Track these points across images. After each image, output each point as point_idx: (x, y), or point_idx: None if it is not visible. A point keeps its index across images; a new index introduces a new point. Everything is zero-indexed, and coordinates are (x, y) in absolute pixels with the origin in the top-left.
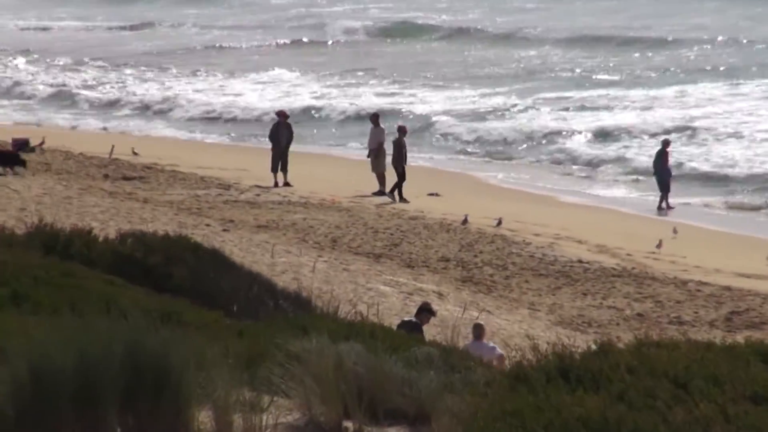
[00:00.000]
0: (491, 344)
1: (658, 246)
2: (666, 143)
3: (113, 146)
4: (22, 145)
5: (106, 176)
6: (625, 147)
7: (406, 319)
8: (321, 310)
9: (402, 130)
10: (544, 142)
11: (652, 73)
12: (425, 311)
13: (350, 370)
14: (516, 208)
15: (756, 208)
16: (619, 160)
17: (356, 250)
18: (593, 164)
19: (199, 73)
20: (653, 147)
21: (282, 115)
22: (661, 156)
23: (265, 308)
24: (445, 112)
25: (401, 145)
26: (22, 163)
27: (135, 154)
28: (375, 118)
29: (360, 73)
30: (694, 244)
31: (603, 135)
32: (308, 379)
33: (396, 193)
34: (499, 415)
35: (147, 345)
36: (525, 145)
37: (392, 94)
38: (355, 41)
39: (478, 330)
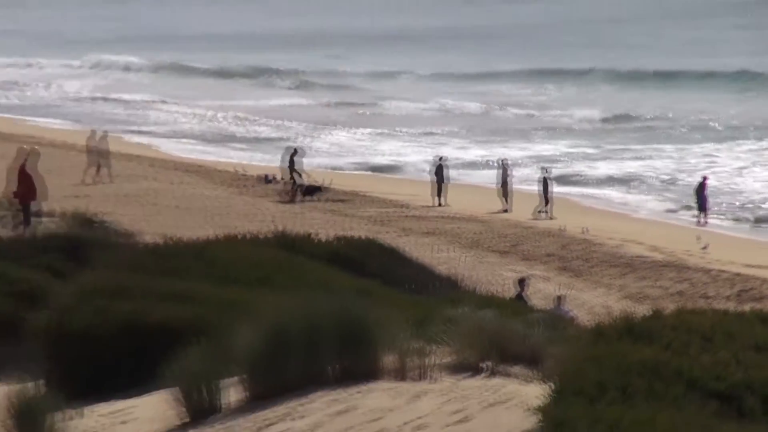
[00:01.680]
0: (567, 309)
1: (705, 247)
2: (704, 178)
3: (332, 179)
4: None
5: (319, 199)
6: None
7: (515, 292)
8: (467, 288)
9: (505, 163)
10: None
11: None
12: (521, 282)
13: (486, 328)
14: (597, 221)
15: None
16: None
17: (489, 249)
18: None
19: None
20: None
21: (442, 159)
22: (701, 186)
23: (429, 288)
24: None
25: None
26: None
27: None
28: (503, 162)
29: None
30: (717, 246)
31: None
32: (459, 334)
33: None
34: (584, 359)
35: (352, 311)
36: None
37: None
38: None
39: (560, 300)
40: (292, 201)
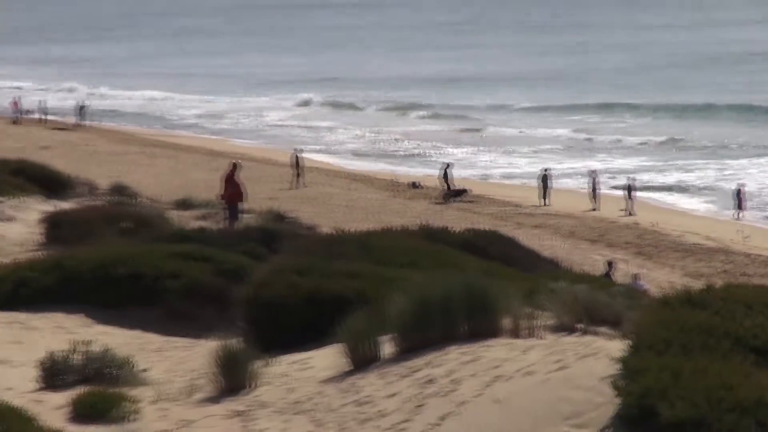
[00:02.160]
0: (642, 283)
1: (746, 237)
2: (741, 185)
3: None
4: (462, 191)
5: (463, 201)
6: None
7: (604, 271)
8: (565, 268)
9: (593, 173)
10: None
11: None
12: (610, 264)
13: (580, 298)
14: (664, 217)
15: None
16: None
17: (582, 238)
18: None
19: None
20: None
21: (546, 170)
22: (739, 191)
23: (537, 267)
24: None
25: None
26: (465, 192)
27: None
28: (592, 172)
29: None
30: (756, 236)
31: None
32: (559, 302)
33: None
34: (654, 322)
35: (478, 285)
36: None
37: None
38: None
39: (636, 276)
40: (444, 202)
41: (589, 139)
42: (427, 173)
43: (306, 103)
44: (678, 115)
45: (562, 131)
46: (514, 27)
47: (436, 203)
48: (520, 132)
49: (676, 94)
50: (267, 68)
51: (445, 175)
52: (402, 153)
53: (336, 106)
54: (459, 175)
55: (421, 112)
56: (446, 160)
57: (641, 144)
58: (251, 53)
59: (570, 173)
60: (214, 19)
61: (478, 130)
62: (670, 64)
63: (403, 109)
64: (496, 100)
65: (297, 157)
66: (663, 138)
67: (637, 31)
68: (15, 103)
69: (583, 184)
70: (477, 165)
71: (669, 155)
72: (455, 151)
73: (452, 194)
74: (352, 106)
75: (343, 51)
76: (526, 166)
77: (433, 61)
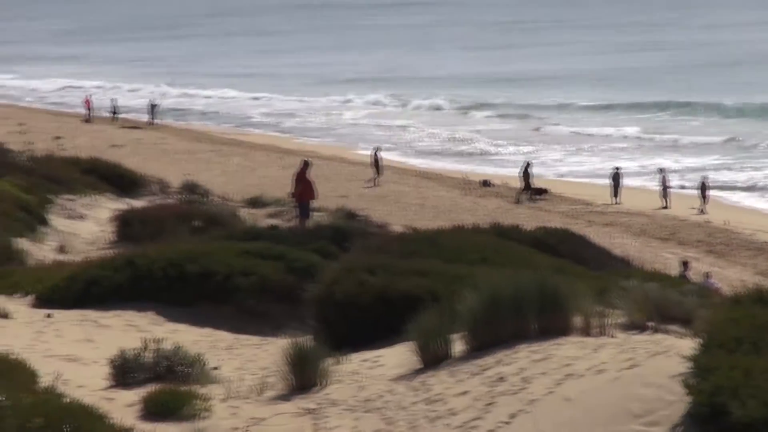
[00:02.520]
0: (713, 282)
1: None
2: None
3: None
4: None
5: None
6: None
7: (680, 271)
8: (636, 266)
9: (663, 171)
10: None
11: None
12: (685, 264)
13: (651, 296)
14: (735, 216)
15: None
16: None
17: (653, 236)
18: None
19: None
20: None
21: (618, 168)
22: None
23: (607, 265)
24: None
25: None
26: (545, 191)
27: (488, 184)
28: (662, 170)
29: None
30: None
31: None
32: (629, 300)
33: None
34: (725, 320)
35: (549, 282)
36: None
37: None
38: None
39: (707, 275)
40: (526, 200)
41: (656, 137)
42: (497, 172)
43: (375, 102)
44: (746, 114)
45: (630, 129)
46: (580, 25)
47: (515, 202)
48: (587, 130)
49: (745, 93)
50: (332, 66)
51: (525, 174)
52: (471, 151)
53: (404, 104)
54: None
55: (487, 112)
56: (526, 159)
57: (709, 142)
58: (315, 52)
59: (639, 171)
60: (275, 17)
61: (542, 129)
62: (736, 62)
63: (469, 108)
64: (562, 99)
65: (376, 155)
66: (728, 136)
67: (705, 29)
68: (87, 102)
69: (651, 182)
70: (546, 163)
71: (738, 154)
72: (523, 149)
73: (533, 192)
74: (420, 105)
75: (405, 49)
76: (595, 164)
77: (497, 59)
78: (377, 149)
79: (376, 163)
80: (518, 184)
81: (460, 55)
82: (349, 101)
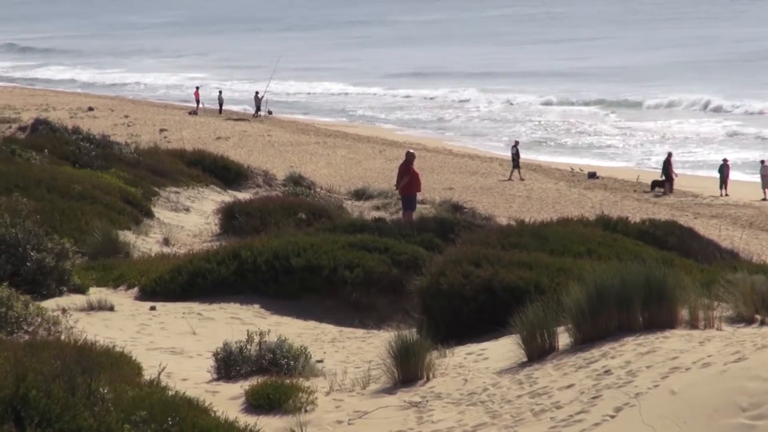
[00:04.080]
0: None
1: None
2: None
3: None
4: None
5: (635, 190)
6: None
7: None
8: (743, 259)
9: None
10: None
11: None
12: None
13: (758, 288)
14: None
15: None
16: None
17: (761, 228)
18: None
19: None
20: None
21: (725, 160)
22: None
23: (715, 257)
24: None
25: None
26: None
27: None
28: (766, 162)
29: None
30: None
31: None
32: (737, 293)
33: None
34: None
35: (655, 275)
36: None
37: None
38: None
39: None
40: (660, 193)
41: (756, 132)
42: (603, 164)
43: (476, 97)
44: None
45: (729, 123)
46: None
47: (655, 196)
48: (689, 123)
49: None
50: (433, 60)
51: (665, 166)
52: (576, 143)
53: (509, 101)
54: (638, 167)
55: (594, 107)
56: (668, 149)
57: None
58: (421, 45)
59: (748, 163)
60: (383, 7)
61: (645, 122)
62: None
63: (573, 104)
64: (668, 93)
65: (515, 150)
66: None
67: None
68: (196, 93)
69: (753, 174)
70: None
71: None
72: (631, 142)
73: (665, 183)
74: (515, 100)
75: (500, 44)
76: (701, 156)
77: (597, 53)
78: (515, 144)
79: (515, 158)
80: (658, 177)
81: (555, 48)
82: (451, 94)
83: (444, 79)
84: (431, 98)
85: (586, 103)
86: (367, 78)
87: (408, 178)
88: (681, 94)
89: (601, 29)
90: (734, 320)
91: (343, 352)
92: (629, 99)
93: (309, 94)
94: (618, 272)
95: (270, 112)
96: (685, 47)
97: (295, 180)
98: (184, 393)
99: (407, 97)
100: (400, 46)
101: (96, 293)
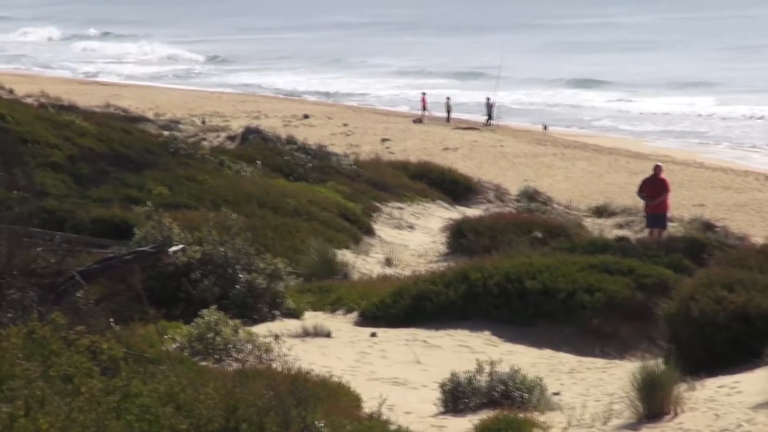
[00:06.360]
0: None
1: None
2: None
3: None
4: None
5: None
6: None
7: None
8: None
9: None
10: None
11: None
12: None
13: None
14: None
15: None
16: None
17: None
18: None
19: None
20: None
21: None
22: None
23: None
24: None
25: None
26: None
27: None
28: None
29: None
30: None
31: None
32: None
33: None
34: None
35: None
36: None
37: None
38: None
39: None
40: None
41: None
42: None
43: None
44: None
45: None
46: None
47: None
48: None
49: None
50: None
51: None
52: None
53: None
54: None
55: None
56: None
57: None
58: (666, 51)
59: None
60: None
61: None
62: None
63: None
64: None
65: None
66: None
67: None
68: (423, 100)
69: None
70: None
71: None
72: None
73: None
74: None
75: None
76: None
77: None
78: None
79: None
80: None
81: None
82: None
83: (702, 88)
84: (683, 107)
85: None
86: (609, 85)
87: (665, 195)
88: None
89: None
90: None
91: (583, 384)
92: None
93: (546, 100)
94: None
95: (494, 121)
96: None
97: (530, 195)
98: (407, 428)
99: (666, 114)
100: (641, 51)
101: (311, 318)
